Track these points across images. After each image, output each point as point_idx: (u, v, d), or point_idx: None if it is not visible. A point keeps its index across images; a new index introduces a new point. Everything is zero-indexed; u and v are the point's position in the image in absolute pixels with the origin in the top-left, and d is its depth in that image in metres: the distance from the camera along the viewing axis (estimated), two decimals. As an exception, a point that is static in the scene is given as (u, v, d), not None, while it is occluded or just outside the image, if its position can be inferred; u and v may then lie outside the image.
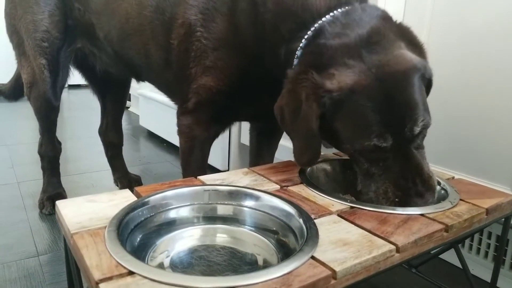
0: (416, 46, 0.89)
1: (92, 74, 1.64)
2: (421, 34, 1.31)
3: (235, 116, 1.15)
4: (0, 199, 1.68)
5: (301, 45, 0.90)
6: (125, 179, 1.81)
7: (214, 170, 2.04)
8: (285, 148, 1.66)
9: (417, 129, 0.80)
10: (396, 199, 0.82)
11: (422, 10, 1.31)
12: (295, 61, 0.90)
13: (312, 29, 0.88)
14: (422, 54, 0.89)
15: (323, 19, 0.88)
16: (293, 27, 0.91)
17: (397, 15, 1.36)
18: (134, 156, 2.35)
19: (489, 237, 1.23)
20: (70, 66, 1.54)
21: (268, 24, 0.95)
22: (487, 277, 1.23)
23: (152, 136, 2.73)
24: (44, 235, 1.42)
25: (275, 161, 1.64)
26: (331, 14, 0.88)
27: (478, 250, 1.26)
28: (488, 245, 1.24)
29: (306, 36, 0.89)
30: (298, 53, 0.90)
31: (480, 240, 1.25)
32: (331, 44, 0.85)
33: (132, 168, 1.99)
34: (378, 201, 0.84)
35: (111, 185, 1.84)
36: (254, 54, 0.99)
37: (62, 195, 1.62)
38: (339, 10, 0.88)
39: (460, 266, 0.94)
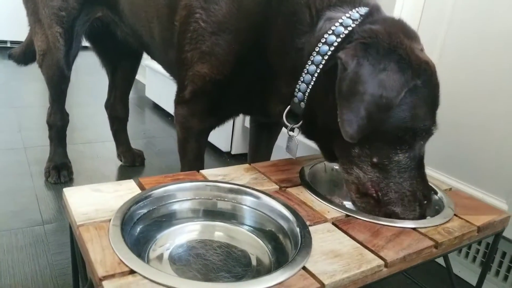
0: None
1: (105, 46, 1.65)
2: (437, 40, 1.31)
3: (231, 110, 1.11)
4: (7, 164, 1.72)
5: (348, 15, 0.84)
6: (128, 153, 1.84)
7: (217, 150, 2.08)
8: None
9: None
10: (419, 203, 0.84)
11: (440, 16, 1.30)
12: (337, 29, 0.83)
13: (368, 8, 0.87)
14: None
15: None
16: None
17: (414, 21, 1.35)
18: (139, 128, 2.37)
19: (479, 243, 1.27)
20: (83, 37, 1.55)
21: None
22: (472, 280, 1.27)
23: (158, 109, 2.74)
24: (49, 204, 1.46)
25: (283, 151, 1.67)
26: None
27: (467, 254, 1.30)
28: (477, 251, 1.28)
29: (357, 10, 0.86)
30: (344, 21, 0.83)
31: (470, 245, 1.29)
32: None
33: (136, 141, 2.02)
34: (403, 202, 0.83)
35: (115, 157, 1.87)
36: (259, 40, 0.93)
37: (68, 165, 1.66)
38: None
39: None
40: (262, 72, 0.95)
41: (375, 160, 0.82)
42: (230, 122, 1.99)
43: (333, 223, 0.79)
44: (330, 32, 0.83)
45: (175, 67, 1.16)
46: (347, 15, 0.85)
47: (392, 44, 0.78)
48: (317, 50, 0.84)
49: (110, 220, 0.70)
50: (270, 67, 0.94)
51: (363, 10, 0.86)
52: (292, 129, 0.93)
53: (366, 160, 0.83)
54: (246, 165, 0.99)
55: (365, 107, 0.75)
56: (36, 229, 1.31)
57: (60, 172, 1.61)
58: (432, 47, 1.31)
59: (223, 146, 2.04)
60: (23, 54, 1.77)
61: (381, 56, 0.76)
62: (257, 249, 0.77)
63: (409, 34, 0.83)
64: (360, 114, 0.75)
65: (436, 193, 0.97)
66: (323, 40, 0.83)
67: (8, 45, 3.99)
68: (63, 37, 1.45)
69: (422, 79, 0.79)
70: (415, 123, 0.79)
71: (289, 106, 0.91)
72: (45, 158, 1.68)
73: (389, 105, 0.76)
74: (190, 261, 0.72)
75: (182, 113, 1.09)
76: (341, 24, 0.83)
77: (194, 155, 1.12)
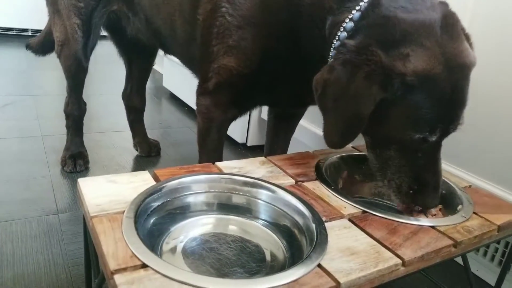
0: (470, 42, 0.85)
1: (122, 38, 1.65)
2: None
3: (255, 101, 1.12)
4: (24, 152, 1.74)
5: (350, 16, 0.83)
6: (144, 144, 1.84)
7: (233, 142, 2.07)
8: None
9: (459, 127, 0.80)
10: (411, 191, 0.83)
11: (461, 15, 1.25)
12: (341, 34, 0.84)
13: (366, 0, 0.83)
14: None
15: None
16: None
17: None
18: (155, 118, 2.37)
19: (498, 242, 1.23)
20: (101, 28, 1.56)
21: None
22: (490, 279, 1.25)
23: (174, 99, 2.74)
24: (64, 193, 1.48)
25: (301, 144, 1.66)
26: None
27: (485, 252, 1.27)
28: (496, 249, 1.25)
29: (358, 7, 0.82)
30: (346, 25, 0.83)
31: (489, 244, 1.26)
32: (402, 17, 0.77)
33: (152, 131, 2.02)
34: (390, 189, 0.85)
35: (131, 147, 1.88)
36: (284, 34, 0.95)
37: (84, 155, 1.67)
38: None
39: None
40: (288, 61, 0.95)
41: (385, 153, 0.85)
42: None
43: (349, 220, 0.77)
44: (336, 38, 0.86)
45: (197, 60, 1.15)
46: (347, 19, 0.84)
47: (361, 58, 0.76)
48: (329, 57, 0.87)
49: (123, 211, 0.69)
50: (300, 60, 0.94)
51: (364, 6, 0.83)
52: None
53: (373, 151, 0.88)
54: (262, 158, 0.98)
55: (341, 121, 0.82)
56: (51, 218, 1.32)
57: (76, 161, 1.62)
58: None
59: (239, 138, 2.03)
60: (41, 45, 1.78)
61: (349, 73, 0.77)
62: (271, 244, 0.76)
63: (391, 39, 0.76)
64: (338, 126, 0.83)
65: (454, 190, 0.95)
66: (332, 47, 0.87)
67: (29, 33, 4.03)
68: (81, 28, 1.46)
69: (403, 90, 0.75)
70: (399, 134, 0.79)
71: None
72: (62, 146, 1.69)
73: (361, 118, 0.78)
74: (204, 255, 0.71)
75: (204, 103, 1.09)
76: (344, 29, 0.84)
77: (214, 146, 1.12)
